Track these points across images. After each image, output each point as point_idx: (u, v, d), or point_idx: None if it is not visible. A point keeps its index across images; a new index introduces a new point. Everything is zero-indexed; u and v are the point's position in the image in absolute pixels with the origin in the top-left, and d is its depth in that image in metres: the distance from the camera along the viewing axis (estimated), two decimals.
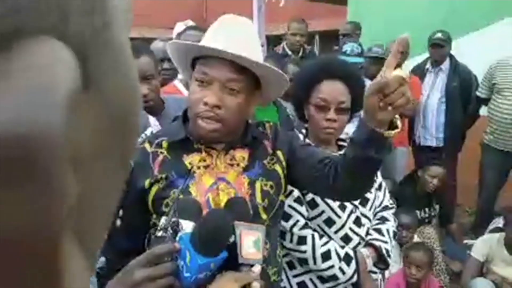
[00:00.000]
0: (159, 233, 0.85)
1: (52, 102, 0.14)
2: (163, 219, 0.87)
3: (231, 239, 0.86)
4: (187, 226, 0.85)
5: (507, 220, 2.55)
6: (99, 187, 0.19)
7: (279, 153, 1.18)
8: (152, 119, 1.44)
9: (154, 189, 1.07)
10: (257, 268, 0.86)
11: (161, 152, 1.10)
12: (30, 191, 0.14)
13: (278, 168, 1.17)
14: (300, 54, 3.57)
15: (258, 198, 1.10)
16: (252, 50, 1.07)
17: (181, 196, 1.02)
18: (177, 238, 0.84)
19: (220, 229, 0.84)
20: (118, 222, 0.90)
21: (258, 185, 1.11)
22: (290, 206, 1.36)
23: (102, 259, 1.13)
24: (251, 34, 1.13)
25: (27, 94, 0.14)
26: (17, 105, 0.13)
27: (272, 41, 5.54)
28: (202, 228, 0.84)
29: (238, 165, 1.12)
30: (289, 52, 3.59)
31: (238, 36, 1.06)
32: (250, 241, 0.87)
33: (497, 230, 2.78)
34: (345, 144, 1.55)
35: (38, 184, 0.14)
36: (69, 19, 0.16)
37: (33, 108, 0.14)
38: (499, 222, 2.82)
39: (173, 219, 0.86)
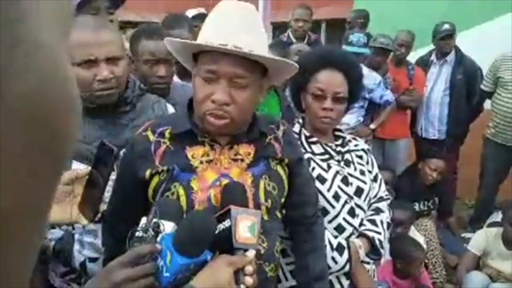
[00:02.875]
0: (140, 234, 0.85)
1: None
2: (143, 220, 0.87)
3: (227, 224, 0.86)
4: (168, 226, 0.85)
5: (505, 214, 2.54)
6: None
7: (286, 159, 1.15)
8: (170, 108, 1.44)
9: (154, 180, 1.05)
10: (251, 253, 0.86)
11: (163, 142, 1.07)
12: None
13: (281, 170, 1.15)
14: (305, 41, 3.54)
15: (262, 198, 1.08)
16: (258, 41, 1.01)
17: (165, 196, 1.01)
18: (159, 239, 0.84)
19: (202, 230, 0.84)
20: (103, 207, 0.90)
21: (262, 184, 1.09)
22: None
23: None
24: (255, 22, 1.04)
25: None
26: None
27: (278, 29, 5.49)
28: (183, 229, 0.84)
29: (242, 160, 1.09)
30: (294, 40, 3.57)
31: (242, 27, 0.99)
32: (245, 226, 0.87)
33: (495, 224, 2.78)
34: (342, 134, 1.55)
35: None
36: None
37: None
38: (497, 216, 2.82)
39: (154, 220, 0.85)
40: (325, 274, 1.28)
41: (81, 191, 0.91)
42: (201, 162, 1.06)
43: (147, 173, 1.04)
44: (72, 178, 0.92)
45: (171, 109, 1.43)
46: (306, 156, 1.44)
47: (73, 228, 1.24)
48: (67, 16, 0.20)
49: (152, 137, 1.08)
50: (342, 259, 1.38)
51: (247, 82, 1.00)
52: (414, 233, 2.70)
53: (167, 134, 1.08)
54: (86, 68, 1.17)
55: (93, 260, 1.26)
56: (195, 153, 1.07)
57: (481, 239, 2.66)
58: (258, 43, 1.01)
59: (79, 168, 1.00)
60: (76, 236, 1.27)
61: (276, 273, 1.18)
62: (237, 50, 0.97)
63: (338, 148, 1.49)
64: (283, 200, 1.16)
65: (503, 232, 2.54)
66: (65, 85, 0.20)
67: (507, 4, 3.72)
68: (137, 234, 0.85)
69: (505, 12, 3.74)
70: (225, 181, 1.04)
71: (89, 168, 0.92)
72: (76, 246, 1.27)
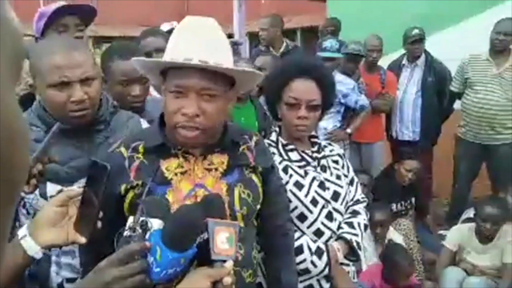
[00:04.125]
0: (127, 233, 0.86)
1: None
2: (130, 219, 0.89)
3: (205, 236, 0.88)
4: (156, 224, 0.87)
5: (478, 211, 2.63)
6: None
7: (259, 168, 1.19)
8: (144, 123, 1.45)
9: (130, 195, 1.06)
10: (229, 264, 0.88)
11: (137, 157, 1.09)
12: None
13: (255, 178, 1.18)
14: (282, 49, 3.59)
15: (237, 205, 1.11)
16: (223, 54, 1.05)
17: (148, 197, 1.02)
18: (147, 236, 0.86)
19: (191, 223, 0.86)
20: (99, 224, 0.91)
21: (236, 191, 1.12)
22: None
23: None
24: (218, 36, 1.07)
25: None
26: None
27: (255, 39, 5.56)
28: (172, 223, 0.86)
29: (216, 169, 1.11)
30: (271, 48, 3.62)
31: (205, 41, 1.02)
32: (223, 237, 0.88)
33: (469, 220, 2.87)
34: (317, 140, 1.59)
35: None
36: None
37: None
38: (471, 213, 2.92)
39: (142, 218, 0.87)
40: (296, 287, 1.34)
41: (75, 211, 0.92)
42: (176, 174, 1.08)
43: (122, 188, 1.06)
44: (65, 199, 0.93)
45: (145, 125, 1.44)
46: (284, 163, 1.48)
47: (49, 250, 1.23)
48: (14, 49, 0.22)
49: (126, 153, 1.09)
50: (322, 263, 1.42)
51: (215, 93, 1.03)
52: (393, 233, 2.77)
53: (140, 149, 1.10)
54: (60, 90, 1.18)
55: (70, 280, 1.25)
56: (169, 166, 1.08)
57: (455, 235, 2.75)
58: (222, 56, 1.04)
59: (71, 188, 1.01)
60: (53, 258, 1.26)
61: (254, 279, 1.20)
62: (202, 64, 1.00)
63: (314, 155, 1.54)
64: (258, 207, 1.18)
65: (476, 228, 2.63)
66: (7, 118, 0.22)
67: (473, 8, 3.89)
68: (125, 233, 0.86)
69: (472, 15, 3.90)
70: (200, 191, 1.07)
71: (81, 188, 0.92)
72: (53, 268, 1.26)
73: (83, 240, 0.90)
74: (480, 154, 3.33)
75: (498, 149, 3.24)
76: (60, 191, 1.20)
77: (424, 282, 2.80)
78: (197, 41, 1.02)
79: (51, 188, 1.20)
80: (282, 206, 1.32)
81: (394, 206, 3.14)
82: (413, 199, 3.27)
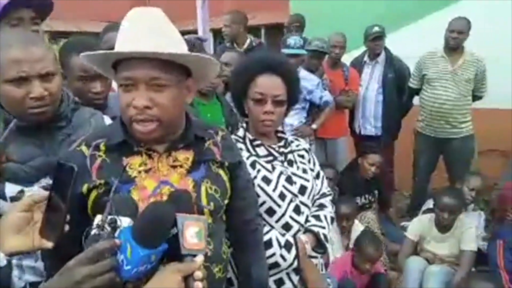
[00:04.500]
0: (95, 231, 0.85)
1: None
2: (98, 217, 0.87)
3: (174, 231, 0.87)
4: (125, 222, 0.86)
5: (436, 201, 2.75)
6: None
7: (226, 163, 1.18)
8: (107, 119, 1.40)
9: (93, 194, 1.03)
10: (199, 258, 0.87)
11: (99, 156, 1.06)
12: None
13: (222, 173, 1.17)
14: (246, 46, 3.59)
15: (204, 201, 1.10)
16: (169, 41, 1.02)
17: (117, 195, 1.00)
18: (117, 233, 0.84)
19: (161, 219, 0.85)
20: (67, 227, 0.87)
21: (203, 187, 1.11)
22: None
23: None
24: (163, 24, 1.05)
25: None
26: None
27: (218, 35, 5.53)
28: (143, 219, 0.84)
29: (181, 166, 1.09)
30: (235, 45, 3.61)
31: (151, 31, 1.01)
32: (192, 232, 0.88)
33: (428, 211, 3.00)
34: (284, 135, 1.61)
35: None
36: None
37: None
38: (430, 203, 3.05)
39: (110, 217, 0.86)
40: (266, 283, 1.36)
41: (41, 216, 0.88)
42: (139, 172, 1.06)
43: (84, 188, 1.03)
44: (30, 204, 0.88)
45: (109, 122, 1.39)
46: (251, 159, 1.48)
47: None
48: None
49: (87, 152, 1.06)
50: (291, 256, 1.43)
51: (165, 83, 1.01)
52: (358, 225, 2.85)
53: (102, 147, 1.07)
54: (18, 86, 1.12)
55: (34, 284, 1.19)
56: (132, 163, 1.06)
57: (416, 226, 2.86)
58: (168, 44, 1.02)
59: (36, 193, 0.96)
60: (14, 261, 1.19)
61: (224, 274, 1.20)
62: (146, 52, 0.98)
63: (281, 149, 1.55)
64: (226, 202, 1.18)
65: (435, 218, 2.75)
66: None
67: (430, 7, 4.06)
68: (93, 232, 0.84)
69: (429, 13, 4.07)
70: (165, 188, 1.05)
71: (46, 191, 0.88)
72: (15, 272, 1.20)
73: (50, 245, 0.87)
74: (437, 147, 3.48)
75: (454, 143, 3.40)
76: (20, 191, 1.15)
77: (389, 272, 2.90)
78: (144, 31, 1.00)
79: (10, 188, 1.14)
80: (251, 201, 1.32)
81: (358, 199, 3.23)
82: (376, 192, 3.38)
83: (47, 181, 1.16)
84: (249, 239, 1.31)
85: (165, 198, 1.04)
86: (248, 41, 3.61)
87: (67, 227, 0.87)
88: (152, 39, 0.99)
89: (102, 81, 1.57)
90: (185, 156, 1.11)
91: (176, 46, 1.05)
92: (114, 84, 1.76)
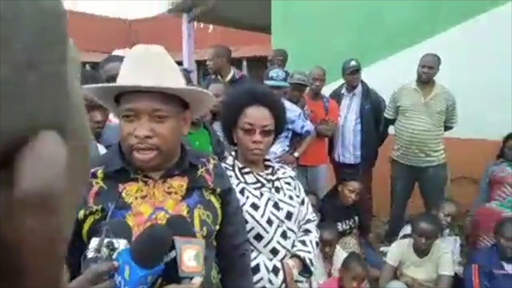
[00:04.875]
0: (93, 254, 0.88)
1: (56, 173, 0.25)
2: (94, 240, 0.90)
3: (172, 254, 0.91)
4: (122, 244, 0.90)
5: (414, 226, 2.86)
6: (70, 194, 0.28)
7: (217, 189, 1.23)
8: (101, 147, 1.45)
9: (89, 221, 1.06)
10: (197, 280, 0.91)
11: (96, 182, 1.09)
12: (42, 220, 0.24)
13: (213, 200, 1.22)
14: (229, 77, 3.72)
15: (197, 227, 1.13)
16: (172, 76, 1.09)
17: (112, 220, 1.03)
18: (114, 256, 0.88)
19: (160, 238, 0.89)
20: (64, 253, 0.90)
21: (196, 213, 1.15)
22: None
23: None
24: (167, 61, 1.12)
25: (42, 168, 0.24)
26: (37, 176, 0.24)
27: (202, 67, 5.67)
28: (142, 241, 0.88)
29: (176, 193, 1.14)
30: (219, 77, 3.73)
31: (154, 65, 1.07)
32: (190, 255, 0.92)
33: (406, 236, 3.09)
34: (271, 163, 1.69)
35: (46, 217, 0.25)
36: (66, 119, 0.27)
37: (46, 176, 0.24)
38: (407, 229, 3.15)
39: (107, 240, 0.89)
40: None
41: None
42: (136, 198, 1.09)
43: (81, 213, 1.05)
44: None
45: (103, 150, 1.44)
46: (240, 186, 1.54)
47: None
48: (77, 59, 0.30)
49: None
50: (278, 280, 1.48)
51: (166, 114, 1.07)
52: (340, 251, 2.91)
53: (99, 174, 1.10)
54: None
55: None
56: (129, 190, 1.10)
57: (396, 251, 2.94)
58: (171, 79, 1.09)
59: None
60: None
61: None
62: (149, 86, 1.04)
63: (269, 177, 1.62)
64: (217, 227, 1.22)
65: (414, 243, 2.85)
66: (85, 118, 0.31)
67: (404, 41, 4.32)
68: (90, 255, 0.87)
69: (403, 48, 4.34)
70: (160, 214, 1.09)
71: None
72: None
73: None
74: (412, 175, 3.62)
75: (428, 171, 3.55)
76: None
77: None
78: (146, 67, 1.07)
79: None
80: (239, 227, 1.37)
81: (339, 225, 3.30)
82: (356, 218, 3.46)
83: None
84: (238, 264, 1.34)
85: (160, 223, 1.07)
86: (231, 73, 3.75)
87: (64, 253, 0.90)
88: (155, 74, 1.06)
89: (101, 111, 1.63)
90: (179, 183, 1.15)
91: (177, 81, 1.12)
92: (111, 115, 1.83)
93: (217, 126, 2.45)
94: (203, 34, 4.97)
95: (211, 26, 5.26)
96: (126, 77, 1.08)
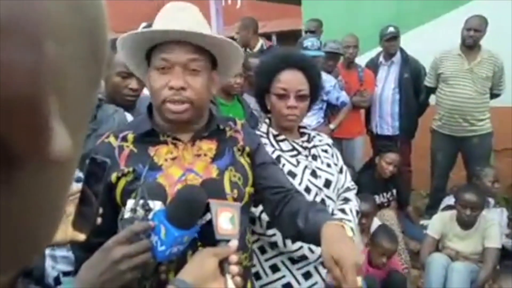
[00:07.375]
0: (129, 215, 0.88)
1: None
2: (130, 202, 0.90)
3: (207, 217, 0.89)
4: (157, 205, 0.90)
5: (457, 198, 2.73)
6: (79, 78, 0.24)
7: (247, 148, 1.20)
8: (129, 117, 1.45)
9: (121, 183, 1.06)
10: (234, 243, 0.89)
11: (126, 146, 1.09)
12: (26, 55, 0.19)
13: (243, 161, 1.19)
14: (258, 48, 3.65)
15: (227, 189, 1.12)
16: (204, 28, 1.08)
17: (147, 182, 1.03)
18: (150, 216, 0.87)
19: (195, 200, 0.88)
20: (99, 220, 0.90)
21: (226, 175, 1.13)
22: None
23: None
24: (198, 14, 1.12)
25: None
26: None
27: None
28: (177, 200, 0.87)
29: (205, 155, 1.13)
30: (248, 49, 3.67)
31: (187, 17, 1.07)
32: (226, 218, 0.90)
33: (448, 208, 2.97)
34: (306, 131, 1.63)
35: (30, 49, 0.20)
36: None
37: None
38: (449, 200, 3.02)
39: (142, 201, 0.89)
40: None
41: (73, 209, 0.90)
42: (166, 160, 1.09)
43: (113, 176, 1.05)
44: None
45: (130, 119, 1.45)
46: (276, 153, 1.50)
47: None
48: None
49: (115, 143, 1.10)
50: (318, 249, 1.45)
51: (200, 66, 1.06)
52: (377, 223, 2.84)
53: (129, 138, 1.10)
54: None
55: (67, 273, 1.23)
56: (159, 152, 1.09)
57: (437, 223, 2.84)
58: (204, 30, 1.07)
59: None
60: (47, 251, 1.23)
61: (250, 263, 1.20)
62: (189, 33, 1.02)
63: (305, 144, 1.57)
64: (247, 189, 1.16)
65: (457, 214, 2.74)
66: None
67: (445, 6, 4.06)
68: (127, 216, 0.87)
69: (444, 13, 4.08)
70: (190, 176, 1.08)
71: (79, 184, 0.91)
72: (48, 262, 1.23)
73: (82, 237, 0.89)
74: (454, 145, 3.46)
75: (472, 140, 3.37)
76: None
77: (410, 271, 2.88)
78: (180, 17, 1.06)
79: None
80: (283, 174, 1.27)
81: (377, 198, 3.22)
82: (394, 191, 3.37)
83: (78, 174, 1.20)
84: (301, 200, 1.19)
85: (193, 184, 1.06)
86: (259, 44, 3.68)
87: (99, 220, 0.90)
88: (192, 24, 1.05)
89: (139, 79, 1.62)
90: (208, 146, 1.14)
91: (208, 31, 1.10)
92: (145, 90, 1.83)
93: (250, 99, 2.41)
94: (232, 10, 4.87)
95: (239, 1, 5.15)
96: (161, 27, 1.06)
